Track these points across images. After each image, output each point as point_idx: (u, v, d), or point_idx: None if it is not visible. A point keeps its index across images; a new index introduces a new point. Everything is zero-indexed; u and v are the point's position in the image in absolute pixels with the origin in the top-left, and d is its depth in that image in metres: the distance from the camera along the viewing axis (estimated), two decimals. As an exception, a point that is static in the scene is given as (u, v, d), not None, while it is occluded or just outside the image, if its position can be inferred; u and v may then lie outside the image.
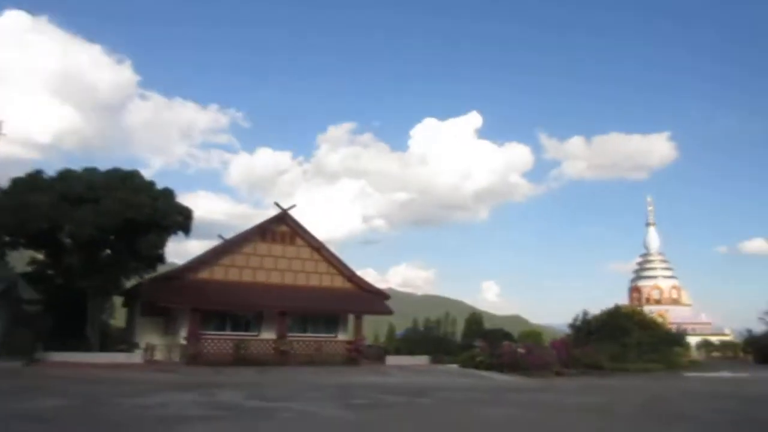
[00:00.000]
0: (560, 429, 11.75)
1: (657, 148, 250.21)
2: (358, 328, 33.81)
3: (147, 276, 31.21)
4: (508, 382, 25.32)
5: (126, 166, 32.01)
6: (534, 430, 11.76)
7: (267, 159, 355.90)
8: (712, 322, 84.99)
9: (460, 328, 55.28)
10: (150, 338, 29.97)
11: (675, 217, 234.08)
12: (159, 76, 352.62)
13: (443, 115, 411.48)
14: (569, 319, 53.72)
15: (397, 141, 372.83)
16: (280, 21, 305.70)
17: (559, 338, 44.49)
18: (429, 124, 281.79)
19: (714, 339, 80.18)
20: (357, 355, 32.25)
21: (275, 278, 32.64)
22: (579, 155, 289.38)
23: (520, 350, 32.56)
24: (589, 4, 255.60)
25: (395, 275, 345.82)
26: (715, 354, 75.52)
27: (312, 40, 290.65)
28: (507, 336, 45.25)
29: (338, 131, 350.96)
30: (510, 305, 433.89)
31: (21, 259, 33.12)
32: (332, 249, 35.95)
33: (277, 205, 33.96)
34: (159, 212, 27.31)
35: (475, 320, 55.20)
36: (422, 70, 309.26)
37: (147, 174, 30.50)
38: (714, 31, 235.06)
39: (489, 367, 31.04)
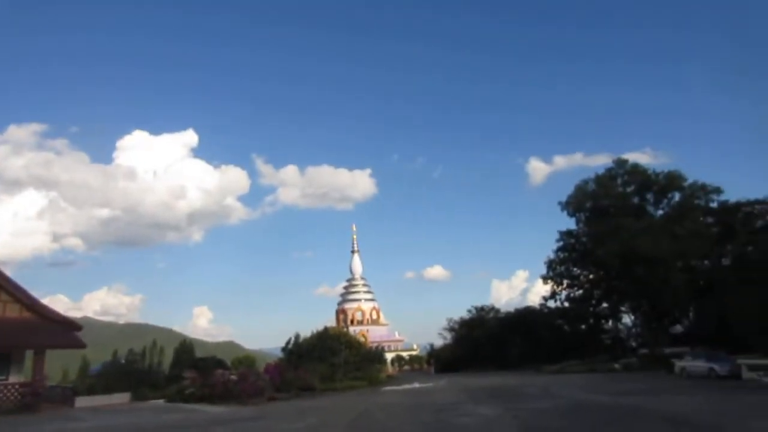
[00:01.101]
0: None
1: (360, 182, 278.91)
2: (37, 366, 28.17)
3: None
4: (219, 413, 23.82)
5: None
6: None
7: None
8: (404, 339, 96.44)
9: (168, 358, 51.02)
10: None
11: (374, 245, 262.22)
12: None
13: (155, 129, 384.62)
14: (281, 343, 54.51)
15: (100, 151, 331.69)
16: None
17: (272, 362, 44.42)
18: (139, 136, 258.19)
19: (405, 354, 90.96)
20: (34, 399, 26.72)
21: None
22: (293, 183, 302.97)
23: (233, 378, 31.36)
24: (310, 50, 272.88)
25: (93, 302, 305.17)
26: (406, 367, 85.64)
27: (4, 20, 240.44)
28: (220, 364, 43.36)
29: (23, 132, 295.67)
30: (223, 331, 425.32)
31: None
32: (7, 271, 29.64)
33: (-73, 213, 26.43)
34: None
35: (185, 349, 51.54)
36: (135, 79, 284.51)
37: None
38: (412, 88, 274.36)
39: (200, 399, 29.07)
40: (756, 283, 34.75)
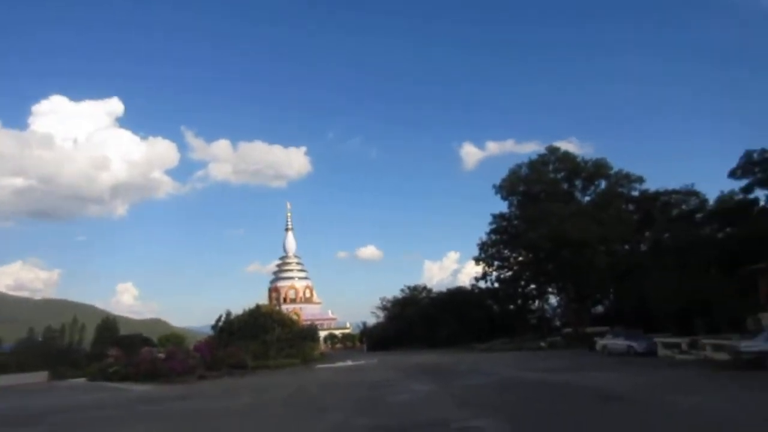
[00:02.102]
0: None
1: (295, 160, 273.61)
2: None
3: None
4: (145, 392, 22.95)
5: None
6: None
7: None
8: (337, 318, 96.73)
9: (90, 336, 48.83)
10: None
11: (307, 223, 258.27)
12: None
13: (76, 95, 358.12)
14: (211, 321, 53.22)
15: (12, 116, 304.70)
16: None
17: (203, 340, 43.36)
18: (57, 102, 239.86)
19: (338, 332, 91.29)
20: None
21: None
22: (225, 159, 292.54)
23: (161, 356, 30.37)
24: (247, 17, 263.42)
25: (5, 276, 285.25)
26: (339, 345, 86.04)
27: None
28: (146, 342, 41.85)
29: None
30: (149, 309, 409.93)
31: None
32: None
33: None
34: None
35: (108, 326, 49.61)
36: (54, 39, 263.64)
37: None
38: (349, 68, 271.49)
39: (124, 378, 27.99)
40: (670, 268, 37.00)
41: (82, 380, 29.55)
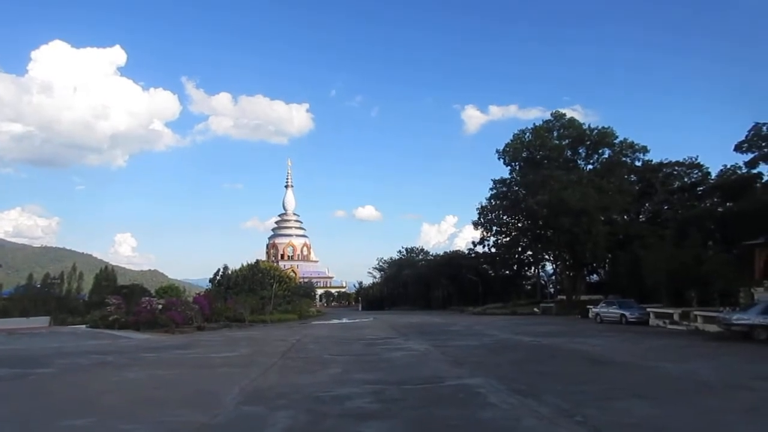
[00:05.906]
0: (207, 387, 10.98)
1: (297, 117, 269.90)
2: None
3: None
4: (146, 340, 23.40)
5: None
6: (181, 389, 10.71)
7: None
8: (334, 276, 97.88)
9: (88, 285, 49.30)
10: None
11: (307, 181, 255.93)
12: None
13: (78, 41, 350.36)
14: (208, 274, 53.96)
15: (11, 60, 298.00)
16: None
17: (202, 292, 43.91)
18: (58, 48, 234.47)
19: (334, 291, 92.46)
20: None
21: None
22: (226, 112, 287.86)
23: (160, 306, 30.82)
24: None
25: (4, 222, 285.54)
26: (334, 303, 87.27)
27: None
28: (145, 292, 42.28)
29: None
30: (147, 260, 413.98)
31: None
32: None
33: None
34: None
35: (106, 276, 49.89)
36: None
37: None
38: (353, 25, 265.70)
39: (124, 326, 28.44)
40: (667, 239, 37.20)
41: (82, 327, 30.01)
